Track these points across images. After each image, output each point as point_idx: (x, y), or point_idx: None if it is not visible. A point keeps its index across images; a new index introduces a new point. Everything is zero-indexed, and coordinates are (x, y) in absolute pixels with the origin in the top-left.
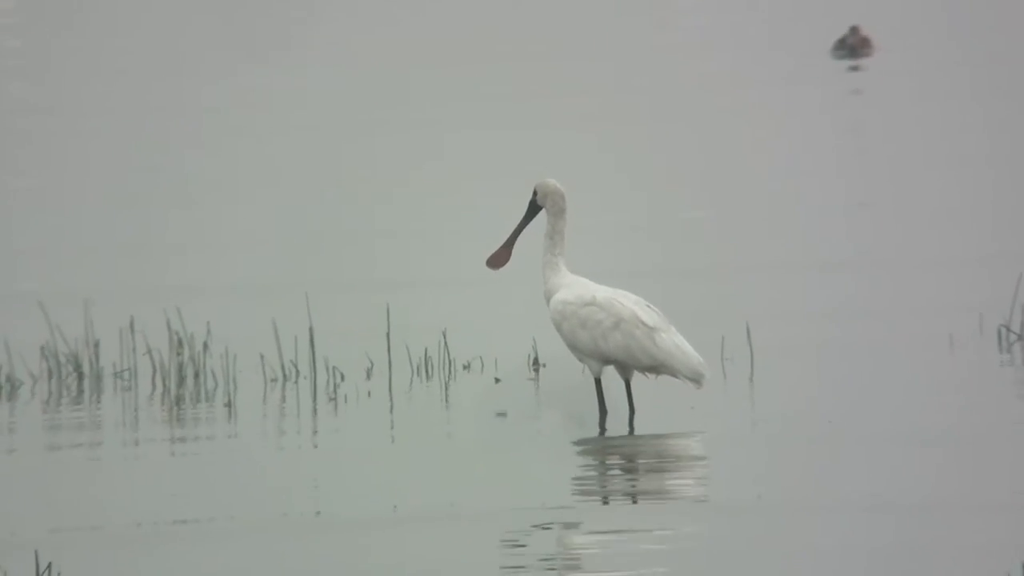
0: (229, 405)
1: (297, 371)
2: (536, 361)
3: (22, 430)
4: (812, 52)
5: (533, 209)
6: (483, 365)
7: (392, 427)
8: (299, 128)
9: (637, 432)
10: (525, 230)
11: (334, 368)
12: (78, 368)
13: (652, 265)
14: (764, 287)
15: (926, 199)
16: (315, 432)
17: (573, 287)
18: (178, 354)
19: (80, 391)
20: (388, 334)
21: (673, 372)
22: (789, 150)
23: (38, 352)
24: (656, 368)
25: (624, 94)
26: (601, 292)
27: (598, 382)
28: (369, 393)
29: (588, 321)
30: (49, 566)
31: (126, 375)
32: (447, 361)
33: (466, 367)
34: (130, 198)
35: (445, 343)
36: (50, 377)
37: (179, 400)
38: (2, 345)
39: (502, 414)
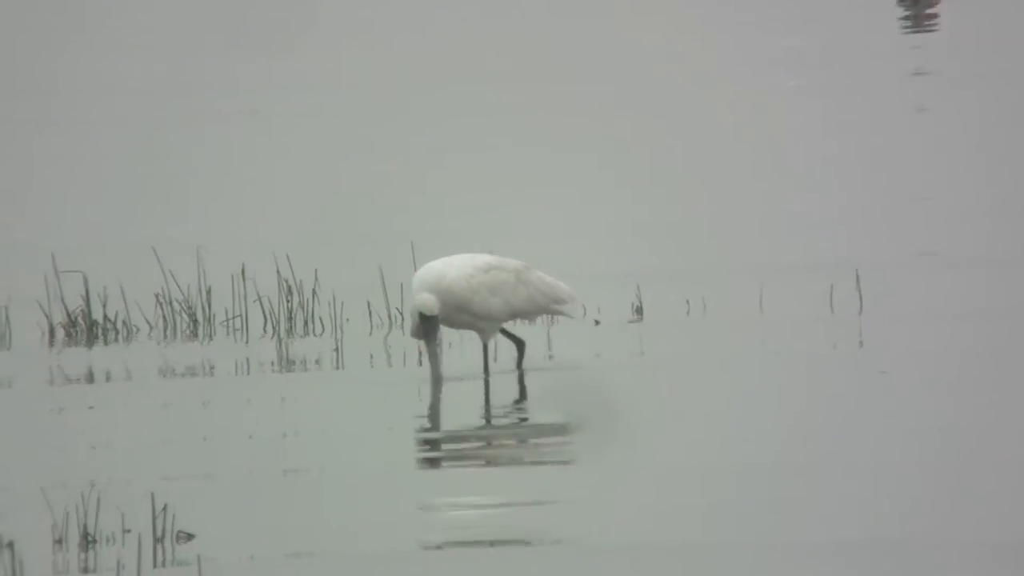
0: (337, 350)
1: (402, 317)
2: (640, 308)
3: (137, 375)
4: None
5: (433, 326)
6: (585, 311)
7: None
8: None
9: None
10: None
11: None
12: (191, 314)
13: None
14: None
15: (989, 192)
16: (420, 391)
17: (450, 267)
18: (287, 301)
19: (194, 337)
20: None
21: (561, 303)
22: (845, 137)
23: (152, 299)
24: (547, 307)
25: (665, 78)
26: (479, 258)
27: (486, 347)
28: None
29: (496, 285)
30: (164, 508)
31: (237, 321)
32: None
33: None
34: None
35: None
36: (165, 323)
37: (288, 358)
38: (118, 292)
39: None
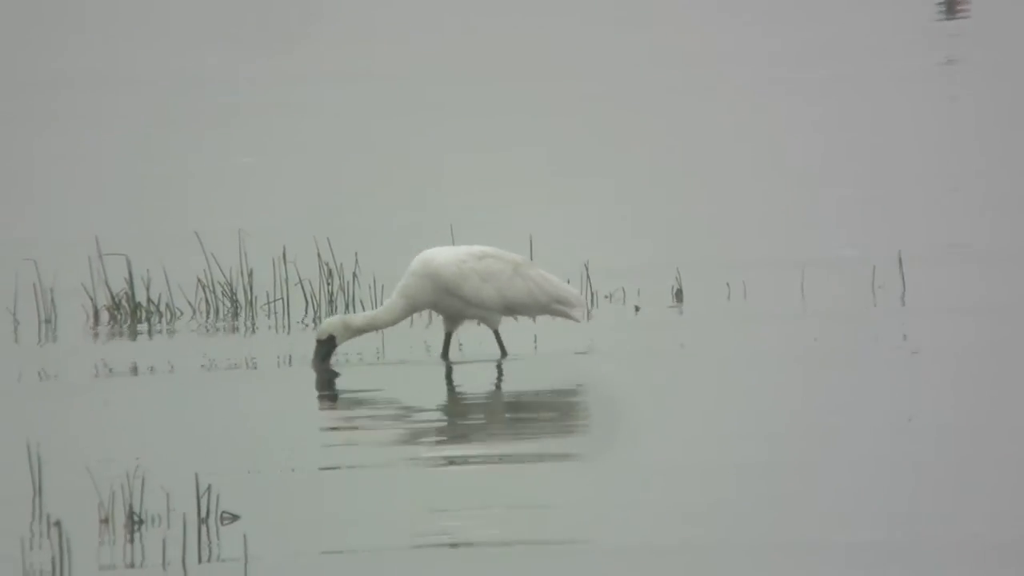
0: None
1: None
2: (680, 292)
3: (181, 358)
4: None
5: (329, 349)
6: (625, 296)
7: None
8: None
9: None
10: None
11: None
12: (233, 297)
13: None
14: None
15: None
16: (452, 383)
17: (442, 252)
18: (328, 284)
19: (235, 321)
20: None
21: (569, 305)
22: (880, 127)
23: (195, 282)
24: (549, 306)
25: (703, 67)
26: (476, 247)
27: (496, 333)
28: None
29: (489, 274)
30: (209, 488)
31: (278, 305)
32: (589, 292)
33: (608, 298)
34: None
35: (587, 274)
36: (207, 307)
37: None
38: (161, 275)
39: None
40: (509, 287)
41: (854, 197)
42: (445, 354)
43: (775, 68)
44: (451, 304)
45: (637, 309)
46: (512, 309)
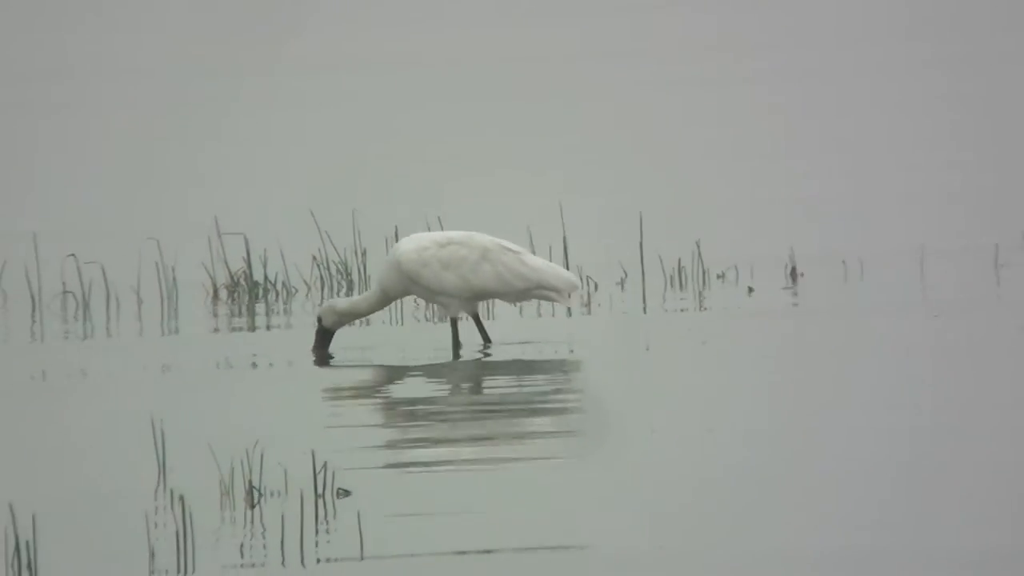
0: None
1: None
2: (794, 271)
3: (298, 352)
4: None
5: (327, 334)
6: (738, 275)
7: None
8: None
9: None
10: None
11: (588, 277)
12: (347, 276)
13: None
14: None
15: None
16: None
17: (410, 240)
18: None
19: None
20: (641, 244)
21: (550, 289)
22: (992, 109)
23: (310, 260)
24: (529, 291)
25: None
26: (445, 233)
27: (455, 322)
28: (624, 304)
29: (452, 261)
30: (325, 465)
31: None
32: (700, 271)
33: (720, 277)
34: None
35: (699, 252)
36: (322, 285)
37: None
38: (278, 254)
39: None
40: (474, 273)
41: (966, 180)
42: (456, 342)
43: (873, 48)
44: (419, 292)
45: (751, 291)
46: (482, 295)
